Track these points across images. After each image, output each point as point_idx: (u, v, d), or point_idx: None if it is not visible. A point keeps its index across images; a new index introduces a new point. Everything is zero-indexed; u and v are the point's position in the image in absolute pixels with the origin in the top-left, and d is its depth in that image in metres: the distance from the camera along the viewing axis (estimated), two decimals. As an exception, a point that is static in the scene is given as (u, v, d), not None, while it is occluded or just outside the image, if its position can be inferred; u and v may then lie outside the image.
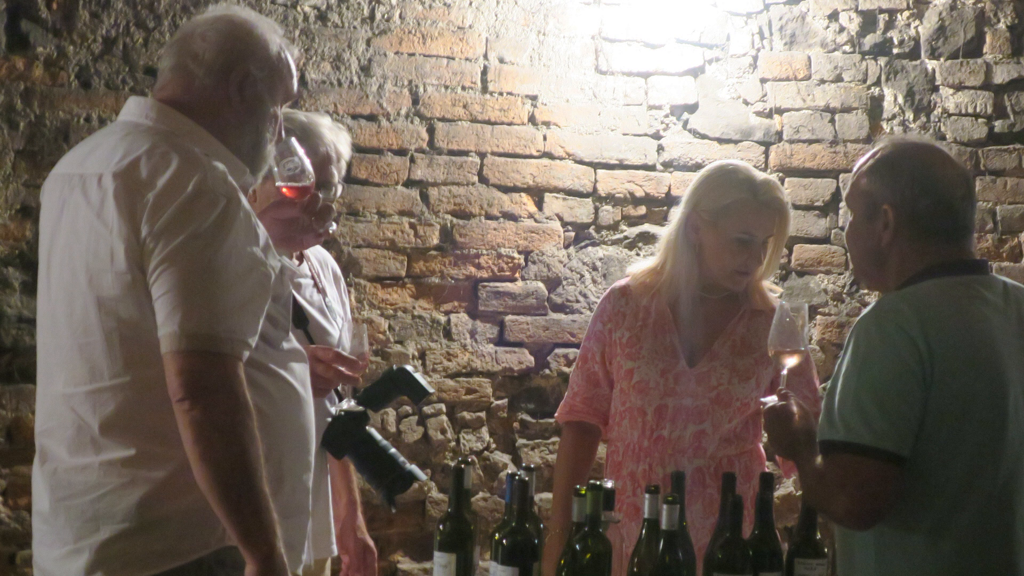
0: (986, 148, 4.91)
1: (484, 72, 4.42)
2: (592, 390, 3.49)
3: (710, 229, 3.38)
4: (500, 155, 4.45)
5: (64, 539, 2.49)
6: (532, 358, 4.49)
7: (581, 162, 4.52)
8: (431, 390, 3.20)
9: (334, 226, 3.04)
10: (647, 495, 2.65)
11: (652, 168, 4.60)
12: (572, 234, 4.53)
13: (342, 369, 3.02)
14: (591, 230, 4.56)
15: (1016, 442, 2.54)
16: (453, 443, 4.40)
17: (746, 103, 4.69)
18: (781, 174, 4.70)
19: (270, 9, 4.14)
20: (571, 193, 4.52)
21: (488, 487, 4.42)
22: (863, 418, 2.47)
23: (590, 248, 4.55)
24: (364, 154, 4.28)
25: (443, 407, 4.40)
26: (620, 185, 4.57)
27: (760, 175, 3.44)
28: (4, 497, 3.92)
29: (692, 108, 4.65)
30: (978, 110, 4.90)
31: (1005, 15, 4.91)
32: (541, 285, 4.50)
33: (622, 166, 4.57)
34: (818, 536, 2.76)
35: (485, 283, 4.44)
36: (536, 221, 4.49)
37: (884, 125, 4.81)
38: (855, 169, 2.74)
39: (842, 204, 4.71)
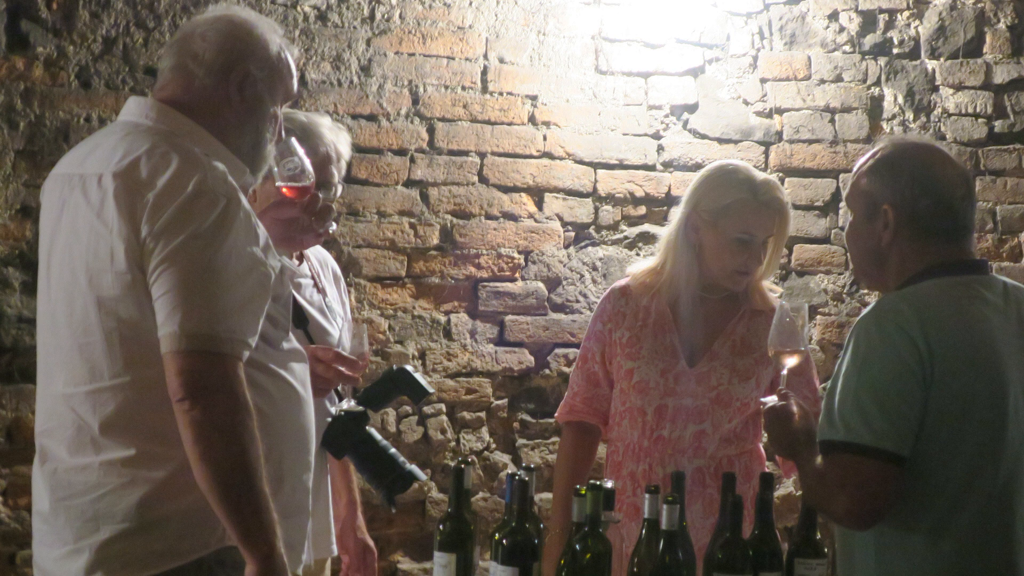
0: (986, 148, 4.91)
1: (484, 72, 4.42)
2: (592, 390, 3.49)
3: (710, 229, 3.38)
4: (500, 155, 4.45)
5: (64, 539, 2.49)
6: (532, 358, 4.49)
7: (581, 162, 4.52)
8: (431, 390, 3.20)
9: (334, 226, 3.05)
10: (647, 495, 2.65)
11: (652, 168, 4.61)
12: (572, 234, 4.53)
13: (342, 369, 3.02)
14: (591, 230, 4.56)
15: (1016, 442, 2.54)
16: (453, 443, 4.40)
17: (746, 103, 4.69)
18: (781, 174, 4.70)
19: (270, 9, 4.14)
20: (571, 193, 4.52)
21: (488, 487, 4.42)
22: (863, 418, 2.47)
23: (590, 248, 4.55)
24: (364, 154, 4.28)
25: (443, 407, 4.40)
26: (620, 185, 4.58)
27: (760, 175, 3.44)
28: (4, 497, 3.92)
29: (692, 108, 4.65)
30: (978, 110, 4.90)
31: (1005, 15, 4.91)
32: (541, 285, 4.50)
33: (622, 166, 4.57)
34: (818, 536, 2.76)
35: (485, 283, 4.44)
36: (536, 221, 4.49)
37: (884, 125, 4.81)
38: (855, 169, 2.74)
39: (842, 204, 4.72)
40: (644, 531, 2.66)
